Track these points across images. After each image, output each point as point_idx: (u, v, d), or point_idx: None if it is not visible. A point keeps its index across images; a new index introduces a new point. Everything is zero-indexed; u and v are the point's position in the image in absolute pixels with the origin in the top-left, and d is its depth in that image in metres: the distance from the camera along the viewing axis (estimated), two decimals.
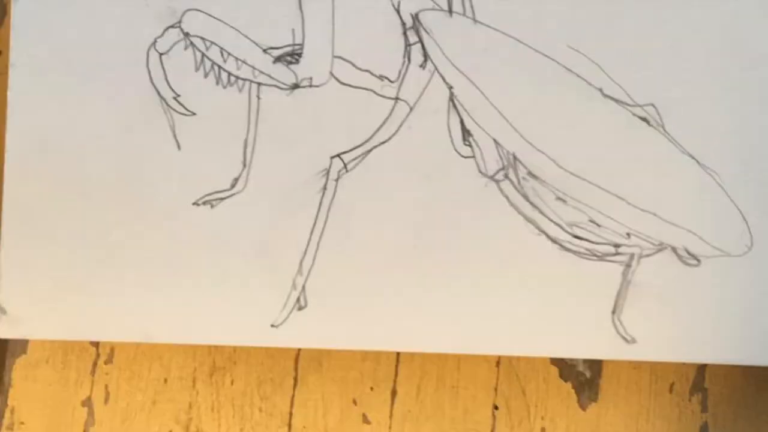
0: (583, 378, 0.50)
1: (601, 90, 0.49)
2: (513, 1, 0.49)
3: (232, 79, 0.49)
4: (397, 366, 0.50)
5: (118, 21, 0.49)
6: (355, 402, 0.50)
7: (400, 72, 0.49)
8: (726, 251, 0.48)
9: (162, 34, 0.49)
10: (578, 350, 0.49)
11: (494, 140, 0.49)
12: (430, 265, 0.49)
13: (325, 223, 0.49)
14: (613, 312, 0.48)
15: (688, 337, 0.49)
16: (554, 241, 0.49)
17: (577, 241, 0.49)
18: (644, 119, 0.49)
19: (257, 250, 0.49)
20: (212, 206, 0.49)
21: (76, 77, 0.49)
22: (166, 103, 0.49)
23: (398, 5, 0.49)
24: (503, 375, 0.50)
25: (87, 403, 0.50)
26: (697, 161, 0.49)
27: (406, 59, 0.49)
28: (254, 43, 0.49)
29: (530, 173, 0.49)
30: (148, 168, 0.49)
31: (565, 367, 0.50)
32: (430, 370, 0.50)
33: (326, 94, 0.49)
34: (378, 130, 0.49)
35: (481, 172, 0.49)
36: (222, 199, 0.49)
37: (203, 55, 0.49)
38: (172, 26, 0.49)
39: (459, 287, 0.49)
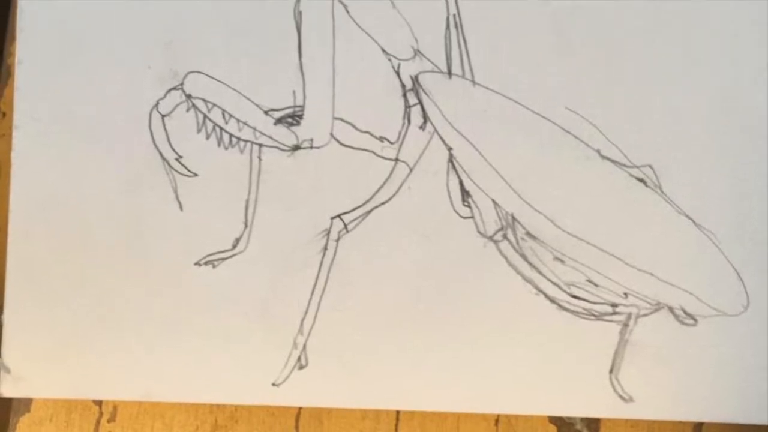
0: None
1: (599, 151, 0.49)
2: (512, 63, 0.49)
3: (234, 140, 0.49)
4: (397, 425, 0.51)
5: (121, 83, 0.50)
6: None
7: (400, 133, 0.50)
8: (722, 311, 0.49)
9: (164, 96, 0.50)
10: (576, 409, 0.50)
11: (493, 201, 0.49)
12: (429, 324, 0.49)
13: (326, 282, 0.49)
14: (611, 371, 0.49)
15: (686, 396, 0.49)
16: (552, 300, 0.49)
17: (575, 301, 0.49)
18: (641, 180, 0.49)
19: (258, 310, 0.49)
20: (214, 266, 0.50)
21: (79, 138, 0.50)
22: (169, 165, 0.50)
23: (398, 67, 0.49)
24: None
25: None
26: (694, 222, 0.49)
27: (406, 121, 0.50)
28: (255, 104, 0.49)
29: (528, 233, 0.49)
30: (151, 228, 0.50)
31: (563, 426, 0.51)
32: (430, 429, 0.51)
33: (327, 156, 0.50)
34: (378, 190, 0.49)
35: (480, 232, 0.49)
36: (224, 259, 0.50)
37: (205, 116, 0.49)
38: (174, 88, 0.50)
39: (458, 346, 0.49)
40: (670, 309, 0.49)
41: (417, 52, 0.49)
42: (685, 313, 0.49)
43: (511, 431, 0.51)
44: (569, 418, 0.51)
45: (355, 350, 0.49)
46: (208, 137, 0.50)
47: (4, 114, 0.52)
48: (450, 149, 0.49)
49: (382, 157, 0.50)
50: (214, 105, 0.49)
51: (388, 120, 0.50)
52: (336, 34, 0.49)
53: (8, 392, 0.49)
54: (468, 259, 0.49)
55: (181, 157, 0.50)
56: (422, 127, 0.50)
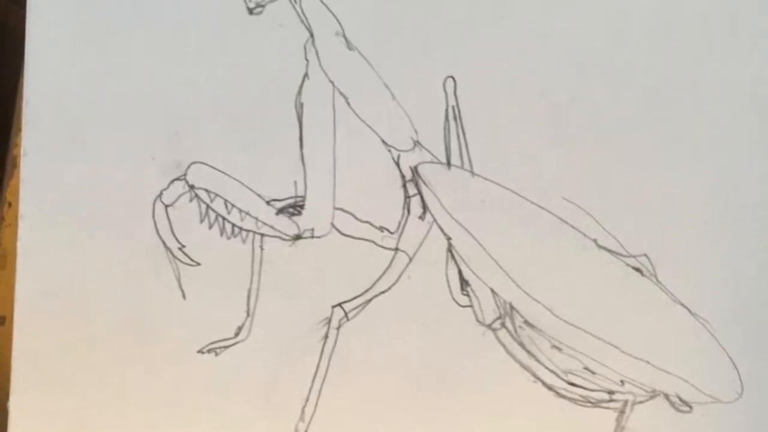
0: None
1: (595, 241, 0.50)
2: (509, 154, 0.50)
3: (236, 230, 0.50)
4: None
5: (125, 174, 0.50)
6: None
7: (399, 223, 0.50)
8: (717, 398, 0.50)
9: (168, 187, 0.50)
10: None
11: (491, 290, 0.50)
12: (429, 411, 0.50)
13: (327, 370, 0.50)
14: None
15: None
16: (550, 388, 0.50)
17: (572, 388, 0.50)
18: (637, 269, 0.50)
19: (260, 397, 0.50)
20: (216, 354, 0.50)
21: (84, 227, 0.50)
22: (172, 254, 0.50)
23: (398, 158, 0.50)
24: None
25: None
26: (689, 310, 0.50)
27: (406, 211, 0.50)
28: (257, 195, 0.50)
29: (526, 322, 0.50)
30: (154, 316, 0.50)
31: None
32: None
33: (328, 245, 0.50)
34: (378, 280, 0.50)
35: (478, 320, 0.50)
36: (226, 347, 0.50)
37: (208, 206, 0.50)
38: (177, 179, 0.50)
39: None
40: (666, 396, 0.50)
41: (417, 143, 0.50)
42: (681, 400, 0.50)
43: None
44: None
45: None
46: (210, 227, 0.50)
47: (10, 204, 0.53)
48: (449, 239, 0.50)
49: (382, 247, 0.50)
50: (217, 195, 0.50)
51: (388, 210, 0.50)
52: (337, 126, 0.50)
53: None
54: (467, 347, 0.50)
55: (184, 246, 0.50)
56: (422, 217, 0.50)
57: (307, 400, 0.50)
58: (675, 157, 0.50)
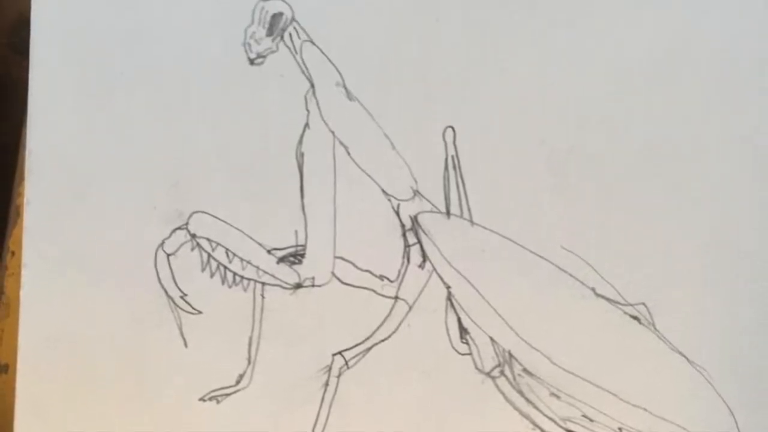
0: None
1: (593, 289, 0.50)
2: (509, 203, 0.51)
3: (238, 278, 0.51)
4: None
5: (127, 223, 0.51)
6: None
7: (399, 272, 0.51)
8: None
9: (169, 236, 0.51)
10: None
11: (490, 338, 0.50)
12: None
13: (327, 418, 0.51)
14: None
15: None
16: None
17: None
18: (635, 318, 0.50)
19: None
20: (218, 402, 0.51)
21: (87, 277, 0.51)
22: (174, 302, 0.51)
23: (398, 207, 0.51)
24: None
25: None
26: (687, 358, 0.50)
27: (406, 260, 0.51)
28: (259, 244, 0.51)
29: (525, 370, 0.50)
30: (156, 364, 0.51)
31: None
32: None
33: (328, 294, 0.51)
34: (378, 328, 0.51)
35: (477, 368, 0.51)
36: (227, 394, 0.51)
37: (209, 255, 0.51)
38: (179, 228, 0.51)
39: None
40: None
41: (416, 193, 0.51)
42: None
43: None
44: None
45: None
46: (212, 276, 0.51)
47: (13, 253, 0.53)
48: (448, 287, 0.51)
49: (382, 295, 0.51)
50: (218, 244, 0.51)
51: (388, 259, 0.51)
52: (337, 175, 0.51)
53: None
54: (466, 395, 0.51)
55: (185, 295, 0.51)
56: (421, 266, 0.51)
57: None
58: (673, 206, 0.50)
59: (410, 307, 0.51)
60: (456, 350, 0.51)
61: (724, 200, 0.50)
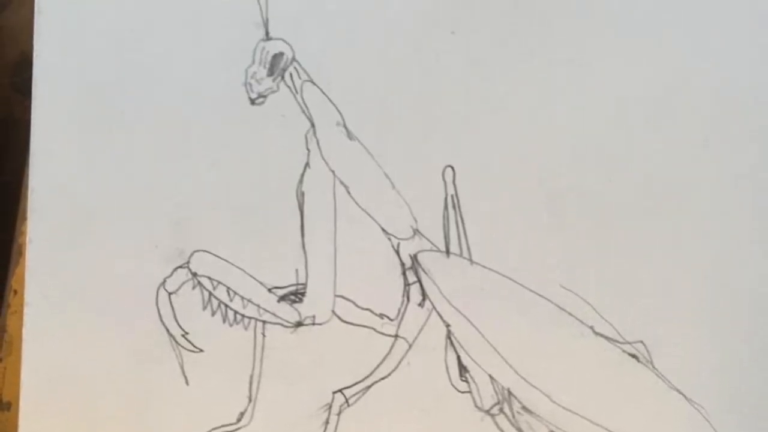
0: None
1: (592, 328, 0.51)
2: (508, 242, 0.51)
3: (239, 317, 0.51)
4: None
5: (129, 262, 0.51)
6: None
7: (399, 310, 0.51)
8: None
9: (171, 274, 0.51)
10: None
11: (490, 376, 0.51)
12: None
13: None
14: None
15: None
16: None
17: None
18: (634, 356, 0.51)
19: None
20: None
21: (89, 315, 0.51)
22: (175, 341, 0.51)
23: (398, 246, 0.51)
24: None
25: None
26: (685, 396, 0.51)
27: (406, 298, 0.51)
28: (259, 282, 0.51)
29: (524, 408, 0.51)
30: (157, 402, 0.51)
31: None
32: None
33: (328, 332, 0.51)
34: (378, 366, 0.51)
35: (477, 406, 0.51)
36: None
37: (211, 294, 0.51)
38: (180, 266, 0.51)
39: None
40: None
41: (416, 232, 0.51)
42: None
43: None
44: None
45: None
46: (213, 314, 0.51)
47: (15, 291, 0.54)
48: (448, 326, 0.51)
49: (382, 334, 0.51)
50: (220, 283, 0.51)
51: (388, 297, 0.51)
52: (337, 214, 0.51)
53: None
54: None
55: (187, 333, 0.51)
56: (421, 305, 0.51)
57: None
58: (671, 244, 0.51)
59: (410, 345, 0.51)
60: (455, 388, 0.51)
61: (722, 238, 0.51)
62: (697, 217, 0.51)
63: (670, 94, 0.51)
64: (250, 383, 0.51)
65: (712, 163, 0.50)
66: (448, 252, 0.51)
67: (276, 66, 0.51)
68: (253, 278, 0.51)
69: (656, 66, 0.51)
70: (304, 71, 0.51)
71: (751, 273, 0.51)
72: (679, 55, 0.51)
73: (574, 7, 0.51)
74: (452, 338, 0.51)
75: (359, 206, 0.51)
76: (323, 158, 0.51)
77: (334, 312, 0.51)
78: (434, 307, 0.51)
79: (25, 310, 0.51)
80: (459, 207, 0.51)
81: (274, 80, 0.51)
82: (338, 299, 0.51)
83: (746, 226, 0.50)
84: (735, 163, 0.50)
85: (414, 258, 0.51)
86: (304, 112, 0.51)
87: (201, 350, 0.51)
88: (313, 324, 0.51)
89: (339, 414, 0.51)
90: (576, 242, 0.51)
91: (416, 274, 0.51)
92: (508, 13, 0.51)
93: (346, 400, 0.51)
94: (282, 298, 0.51)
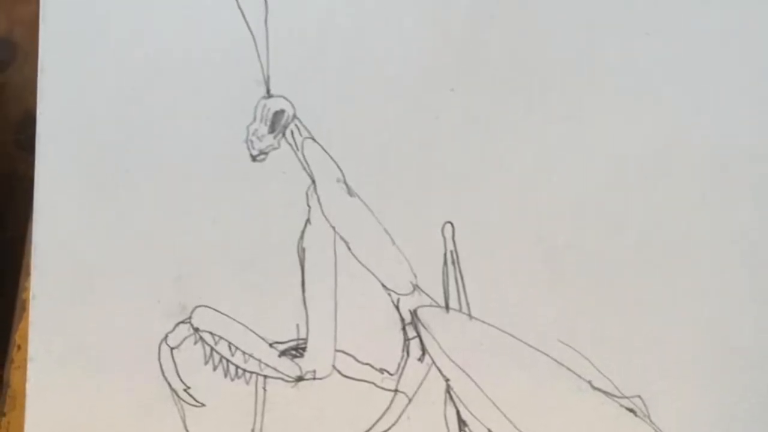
0: None
1: (590, 383, 0.51)
2: (507, 298, 0.51)
3: (240, 371, 0.51)
4: None
5: (131, 317, 0.52)
6: None
7: (399, 365, 0.52)
8: None
9: (173, 329, 0.52)
10: None
11: (489, 430, 0.51)
12: None
13: None
14: None
15: None
16: None
17: None
18: (631, 410, 0.51)
19: None
20: None
21: (92, 370, 0.52)
22: (177, 395, 0.52)
23: (398, 302, 0.52)
24: None
25: None
26: None
27: (405, 353, 0.52)
28: (260, 337, 0.52)
29: None
30: None
31: None
32: None
33: (329, 386, 0.52)
34: (378, 420, 0.51)
35: None
36: None
37: (212, 349, 0.51)
38: (182, 322, 0.52)
39: None
40: None
41: (416, 287, 0.51)
42: None
43: None
44: None
45: None
46: (215, 369, 0.52)
47: (19, 346, 0.54)
48: (447, 380, 0.51)
49: (382, 388, 0.51)
50: (221, 338, 0.51)
51: (388, 352, 0.52)
52: (338, 270, 0.51)
53: None
54: None
55: (189, 388, 0.52)
56: (421, 359, 0.52)
57: None
58: (668, 301, 0.51)
59: (410, 400, 0.51)
60: None
61: (719, 295, 0.51)
62: (695, 274, 0.51)
63: (668, 151, 0.51)
64: None
65: (709, 220, 0.51)
66: (447, 307, 0.52)
67: (277, 123, 0.51)
68: (255, 333, 0.52)
69: (654, 123, 0.51)
70: (305, 128, 0.52)
71: (748, 329, 0.51)
72: (676, 112, 0.51)
73: (573, 64, 0.51)
74: (451, 393, 0.51)
75: (359, 262, 0.51)
76: (324, 214, 0.51)
77: (334, 367, 0.51)
78: (434, 362, 0.52)
79: (29, 365, 0.51)
80: (458, 263, 0.51)
81: (275, 137, 0.52)
82: (339, 354, 0.51)
83: (744, 282, 0.51)
84: (732, 221, 0.51)
85: (414, 313, 0.52)
86: (305, 168, 0.52)
87: (203, 405, 0.52)
88: (314, 378, 0.51)
89: None
90: (574, 298, 0.51)
91: (416, 329, 0.52)
92: (507, 70, 0.51)
93: None
94: (283, 353, 0.51)
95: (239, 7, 0.52)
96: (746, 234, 0.51)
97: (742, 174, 0.51)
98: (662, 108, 0.51)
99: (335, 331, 0.51)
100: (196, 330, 0.52)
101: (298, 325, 0.52)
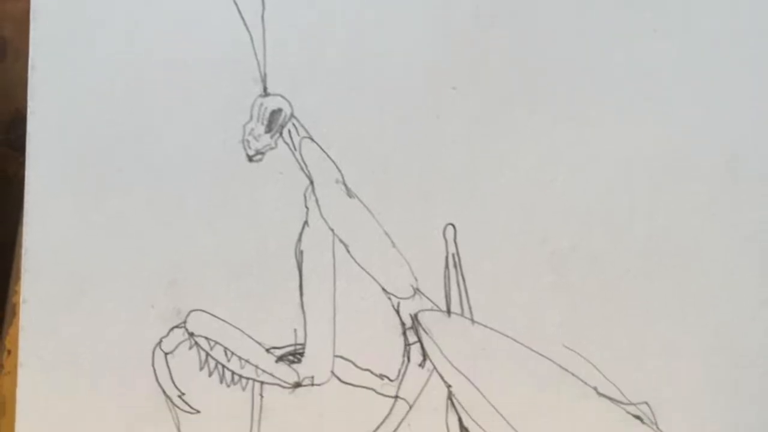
0: None
1: (596, 389, 0.50)
2: (510, 302, 0.50)
3: (236, 377, 0.50)
4: None
5: (124, 322, 0.50)
6: None
7: (399, 371, 0.50)
8: None
9: (167, 334, 0.50)
10: None
11: None
12: None
13: None
14: None
15: None
16: None
17: None
18: (638, 417, 0.50)
19: None
20: None
21: (84, 376, 0.50)
22: (171, 402, 0.50)
23: (398, 306, 0.50)
24: None
25: None
26: None
27: (406, 358, 0.50)
28: (257, 342, 0.50)
29: None
30: None
31: None
32: None
33: (328, 393, 0.50)
34: (378, 427, 0.50)
35: None
36: None
37: (207, 354, 0.50)
38: (177, 326, 0.50)
39: None
40: None
41: (417, 291, 0.50)
42: None
43: None
44: None
45: None
46: (210, 375, 0.50)
47: (9, 352, 0.53)
48: (449, 386, 0.50)
49: (382, 395, 0.50)
50: (217, 343, 0.50)
51: (388, 358, 0.50)
52: (337, 273, 0.50)
53: None
54: None
55: (183, 394, 0.50)
56: (422, 365, 0.50)
57: None
58: (676, 305, 0.50)
59: (410, 407, 0.50)
60: None
61: (728, 299, 0.50)
62: (703, 278, 0.50)
63: (676, 153, 0.50)
64: None
65: (718, 224, 0.50)
66: (449, 311, 0.50)
67: (274, 122, 0.50)
68: (251, 338, 0.50)
69: (661, 126, 0.50)
70: (303, 128, 0.50)
71: (756, 334, 0.50)
72: (684, 113, 0.50)
73: (578, 63, 0.50)
74: (453, 399, 0.50)
75: (359, 265, 0.50)
76: (322, 216, 0.50)
77: (333, 372, 0.50)
78: (435, 368, 0.50)
79: (19, 370, 0.50)
80: (460, 266, 0.50)
81: (272, 137, 0.50)
82: (337, 359, 0.50)
83: (752, 287, 0.50)
84: (740, 224, 0.50)
85: (414, 318, 0.50)
86: (302, 169, 0.50)
87: (198, 411, 0.50)
88: (312, 385, 0.50)
89: None
90: (579, 302, 0.50)
91: (417, 334, 0.50)
92: (510, 69, 0.50)
93: None
94: (280, 359, 0.50)
95: (235, 3, 0.51)
96: (755, 238, 0.50)
97: (751, 177, 0.50)
98: (670, 108, 0.50)
99: (334, 336, 0.50)
100: (191, 335, 0.50)
101: (295, 330, 0.50)
